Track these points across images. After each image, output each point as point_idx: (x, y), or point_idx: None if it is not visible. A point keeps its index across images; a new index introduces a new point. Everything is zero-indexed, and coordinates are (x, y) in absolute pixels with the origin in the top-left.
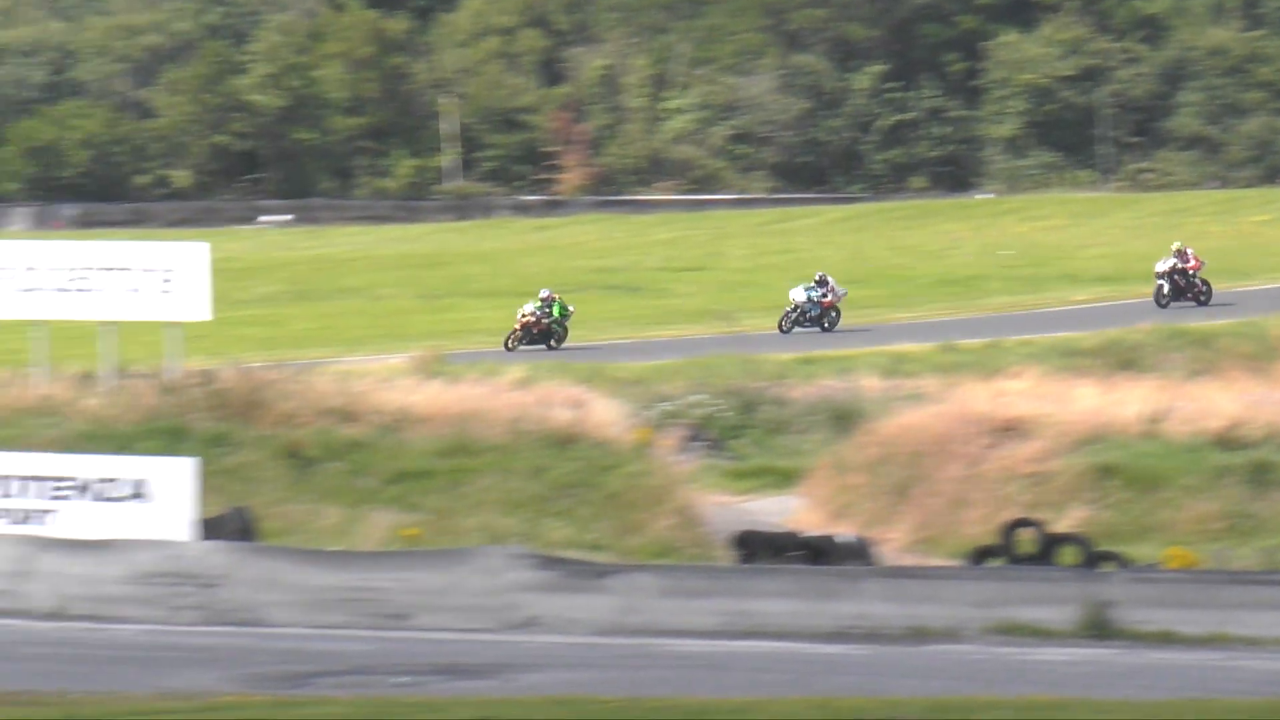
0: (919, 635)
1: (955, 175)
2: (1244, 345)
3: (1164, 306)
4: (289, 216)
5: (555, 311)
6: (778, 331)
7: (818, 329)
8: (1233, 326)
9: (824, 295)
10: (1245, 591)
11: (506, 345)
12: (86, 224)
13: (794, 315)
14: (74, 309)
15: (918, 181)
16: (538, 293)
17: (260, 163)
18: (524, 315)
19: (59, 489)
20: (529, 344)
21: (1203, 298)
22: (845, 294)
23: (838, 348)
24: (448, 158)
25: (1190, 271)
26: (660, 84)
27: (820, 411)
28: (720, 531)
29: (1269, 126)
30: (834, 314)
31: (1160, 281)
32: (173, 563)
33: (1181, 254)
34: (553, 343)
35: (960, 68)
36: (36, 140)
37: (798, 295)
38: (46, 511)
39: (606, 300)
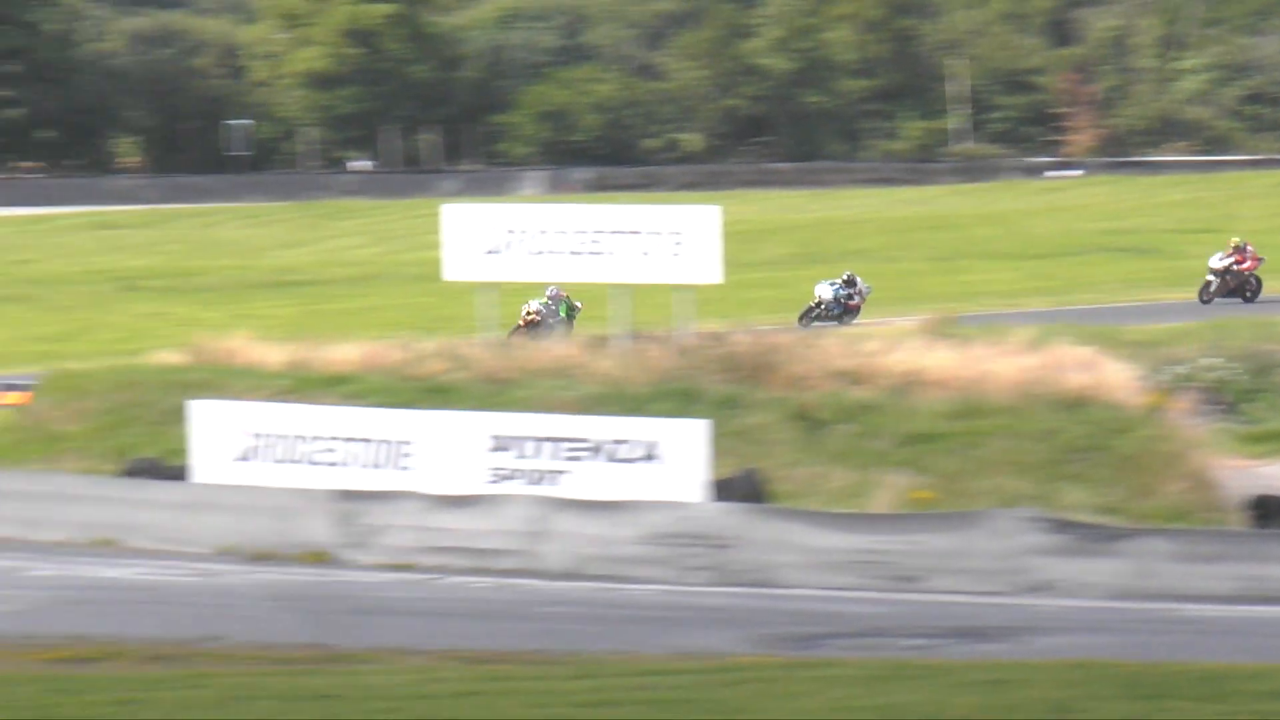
0: None
1: None
2: None
3: (1207, 303)
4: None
5: (562, 311)
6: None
7: (836, 324)
8: None
9: (850, 296)
10: None
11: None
12: (598, 188)
13: (816, 310)
14: (586, 271)
15: None
16: (544, 290)
17: (769, 126)
18: (528, 313)
19: (573, 450)
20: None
21: (1249, 294)
22: (870, 292)
23: None
24: (956, 119)
25: (1246, 271)
26: (1170, 44)
27: None
28: (1234, 496)
29: None
30: (854, 314)
31: (1211, 278)
32: (685, 524)
33: (1240, 250)
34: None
35: None
36: (548, 105)
37: (823, 291)
38: (560, 473)
39: (1116, 263)
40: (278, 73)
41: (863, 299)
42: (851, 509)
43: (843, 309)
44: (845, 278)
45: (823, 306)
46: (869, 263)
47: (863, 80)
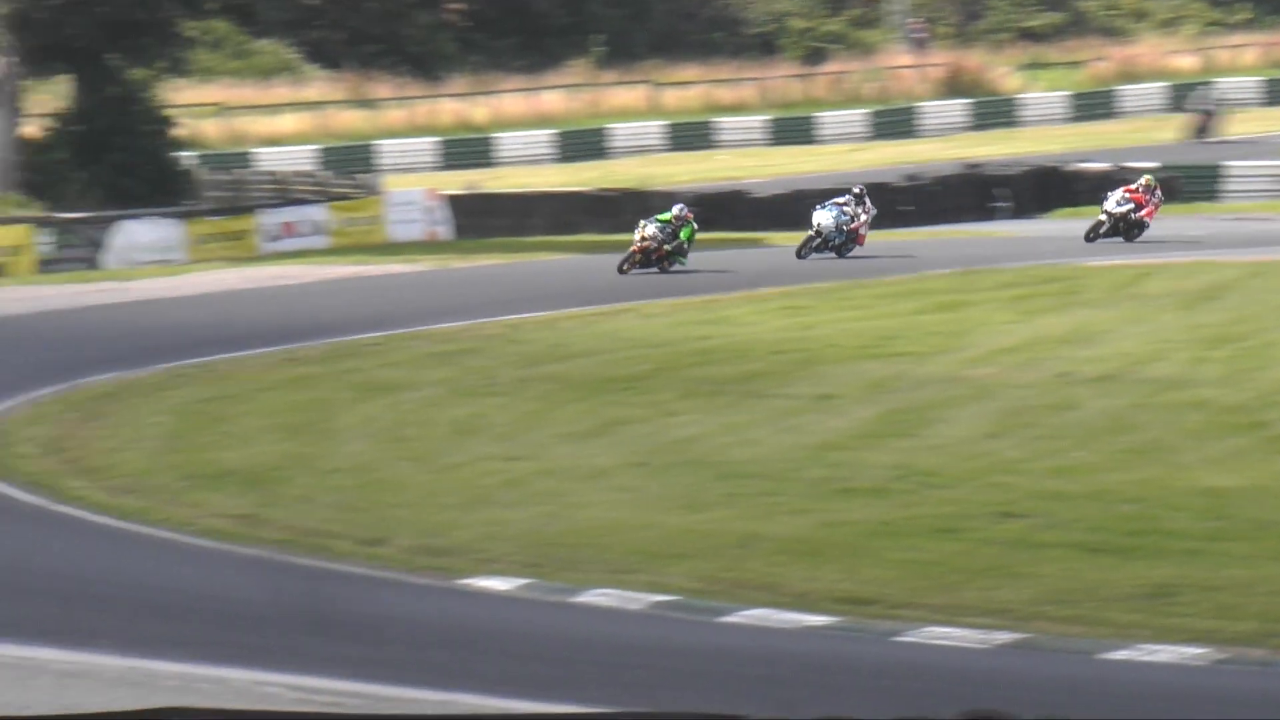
0: None
1: None
2: None
3: (1091, 242)
4: None
5: (684, 235)
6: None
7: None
8: None
9: (852, 219)
10: None
11: (620, 269)
12: None
13: (815, 242)
14: None
15: None
16: (670, 208)
17: None
18: (643, 239)
19: None
20: (643, 268)
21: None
22: (875, 213)
23: None
24: None
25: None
26: None
27: None
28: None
29: None
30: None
31: (1103, 218)
32: None
33: (1149, 190)
34: (667, 265)
35: None
36: None
37: (822, 219)
38: None
39: None
40: None
41: (868, 223)
42: None
43: (845, 237)
44: (856, 191)
45: (822, 236)
46: None
47: None
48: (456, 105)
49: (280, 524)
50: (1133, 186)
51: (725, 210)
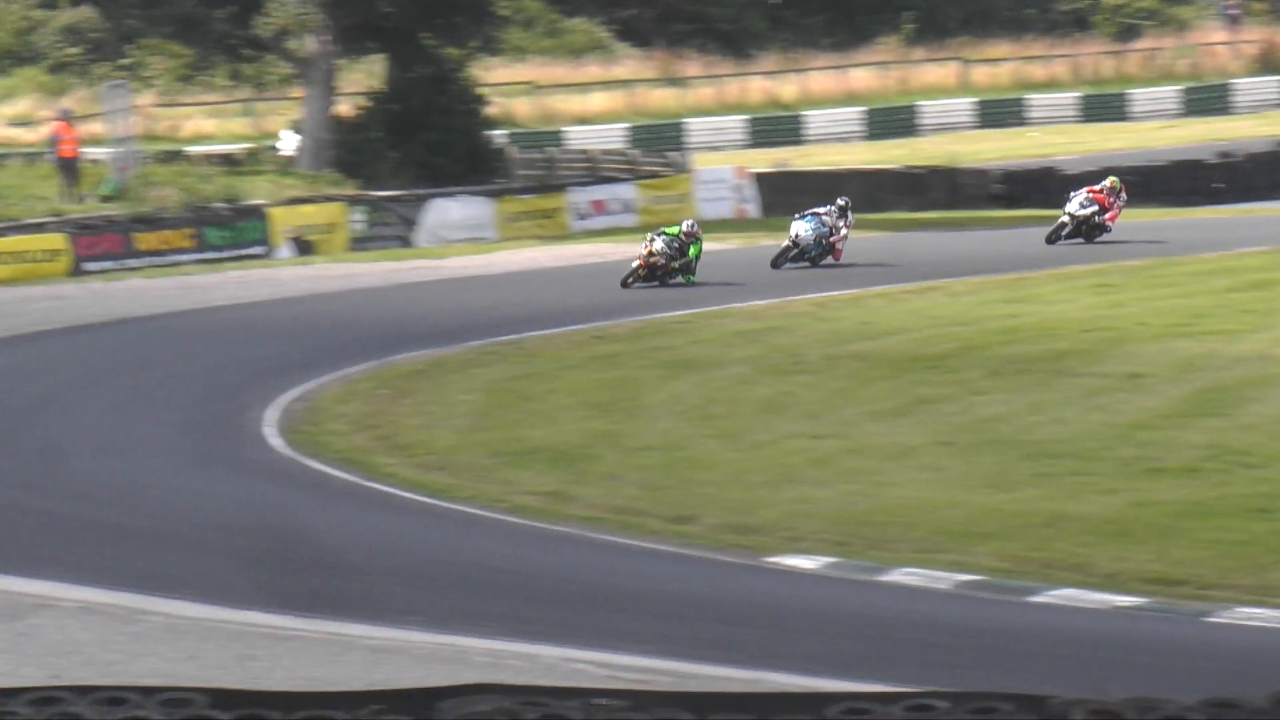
0: None
1: None
2: None
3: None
4: None
5: (692, 252)
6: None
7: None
8: None
9: (832, 233)
10: None
11: (624, 283)
12: None
13: (792, 253)
14: None
15: None
16: (678, 223)
17: None
18: (650, 254)
19: None
20: (646, 283)
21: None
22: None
23: None
24: None
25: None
26: None
27: None
28: None
29: None
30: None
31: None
32: None
33: (1113, 193)
34: (673, 280)
35: None
36: None
37: (800, 229)
38: None
39: None
40: None
41: (846, 236)
42: None
43: (821, 249)
44: (841, 203)
45: (799, 247)
46: None
47: None
48: (765, 83)
49: (588, 501)
50: (1097, 188)
51: (1037, 187)
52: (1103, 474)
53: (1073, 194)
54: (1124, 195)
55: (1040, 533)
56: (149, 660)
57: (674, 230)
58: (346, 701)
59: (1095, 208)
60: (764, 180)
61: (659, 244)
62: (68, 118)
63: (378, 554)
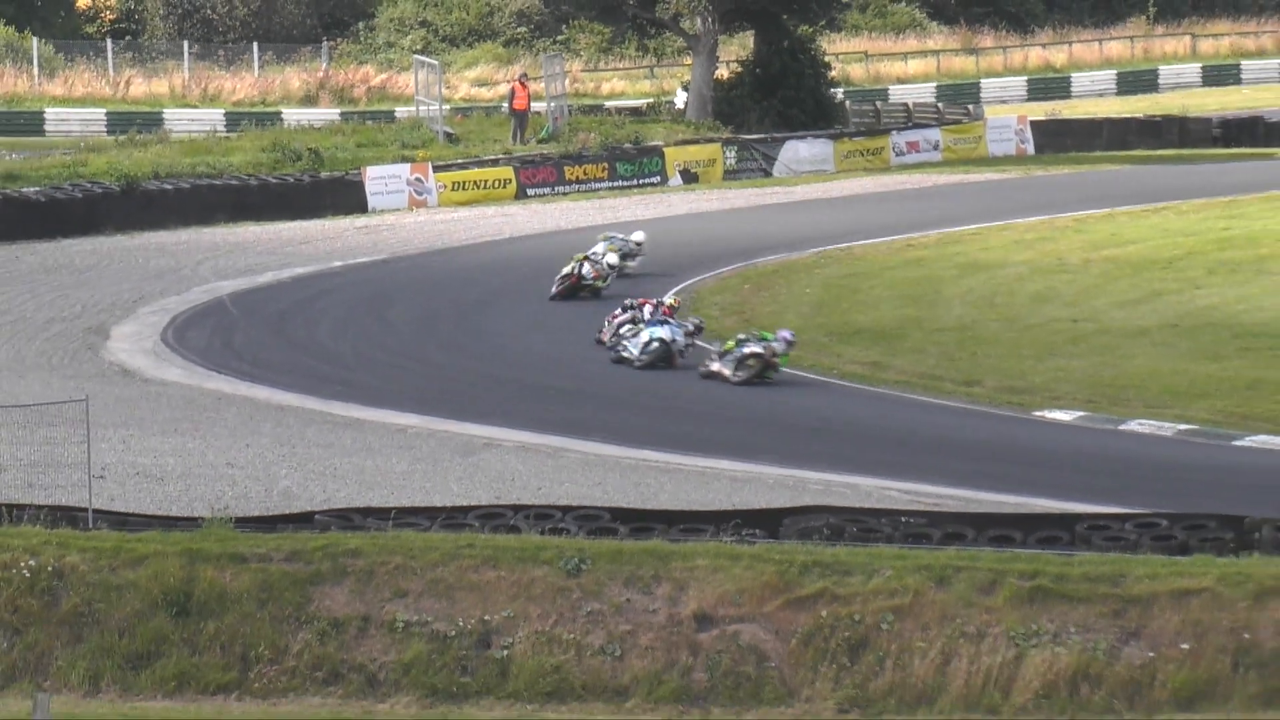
0: None
1: None
2: None
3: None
4: None
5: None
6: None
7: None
8: None
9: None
10: None
11: (552, 297)
12: None
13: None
14: None
15: None
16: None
17: None
18: (574, 274)
19: None
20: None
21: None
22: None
23: None
24: None
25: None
26: None
27: None
28: None
29: None
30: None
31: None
32: None
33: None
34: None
35: None
36: None
37: (606, 254)
38: None
39: None
40: None
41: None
42: None
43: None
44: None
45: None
46: None
47: None
48: (1042, 52)
49: (899, 369)
50: None
51: (1246, 132)
52: None
53: None
54: None
55: (1243, 394)
56: (568, 486)
57: (603, 252)
58: (714, 518)
59: None
60: (1038, 126)
61: (588, 268)
62: (522, 80)
63: (732, 407)
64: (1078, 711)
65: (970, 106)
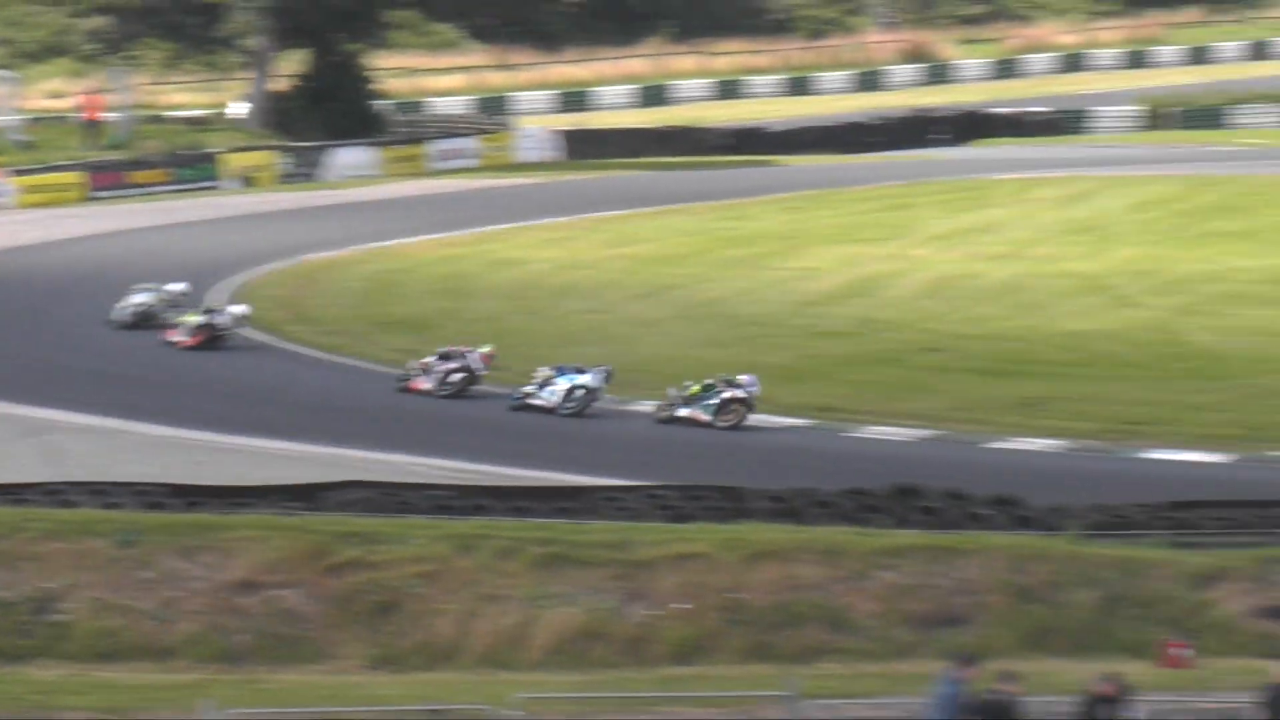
0: None
1: None
2: None
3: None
4: None
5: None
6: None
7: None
8: None
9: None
10: None
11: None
12: None
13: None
14: None
15: None
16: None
17: None
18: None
19: None
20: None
21: None
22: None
23: None
24: None
25: None
26: None
27: None
28: None
29: None
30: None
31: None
32: None
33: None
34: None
35: None
36: None
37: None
38: None
39: None
40: None
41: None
42: None
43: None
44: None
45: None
46: None
47: None
48: (569, 68)
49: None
50: None
51: (751, 141)
52: (785, 336)
53: None
54: None
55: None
56: (128, 465)
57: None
58: (261, 492)
59: None
60: (565, 135)
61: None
62: (93, 92)
63: (286, 390)
64: (584, 665)
65: (504, 118)
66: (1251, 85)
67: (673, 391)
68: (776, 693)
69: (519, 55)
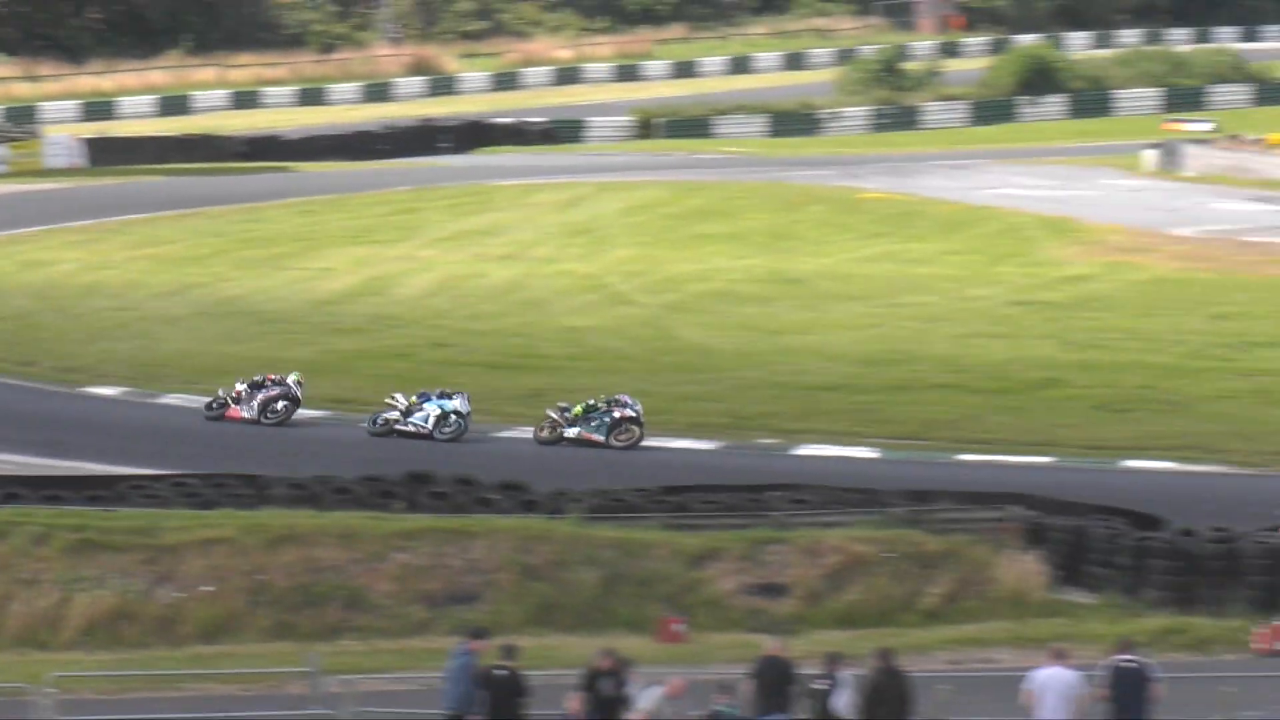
0: None
1: None
2: None
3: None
4: None
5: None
6: None
7: None
8: None
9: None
10: None
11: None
12: None
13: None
14: None
15: None
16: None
17: None
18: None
19: None
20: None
21: None
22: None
23: None
24: None
25: None
26: None
27: None
28: None
29: None
30: None
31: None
32: None
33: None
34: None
35: None
36: None
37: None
38: None
39: None
40: None
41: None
42: None
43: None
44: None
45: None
46: None
47: None
48: (94, 80)
49: None
50: None
51: (265, 147)
52: (304, 332)
53: None
54: None
55: (266, 371)
56: None
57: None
58: None
59: None
60: (90, 143)
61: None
62: None
63: None
64: (116, 645)
65: (32, 126)
66: (733, 97)
67: (553, 413)
68: (299, 669)
69: (45, 67)
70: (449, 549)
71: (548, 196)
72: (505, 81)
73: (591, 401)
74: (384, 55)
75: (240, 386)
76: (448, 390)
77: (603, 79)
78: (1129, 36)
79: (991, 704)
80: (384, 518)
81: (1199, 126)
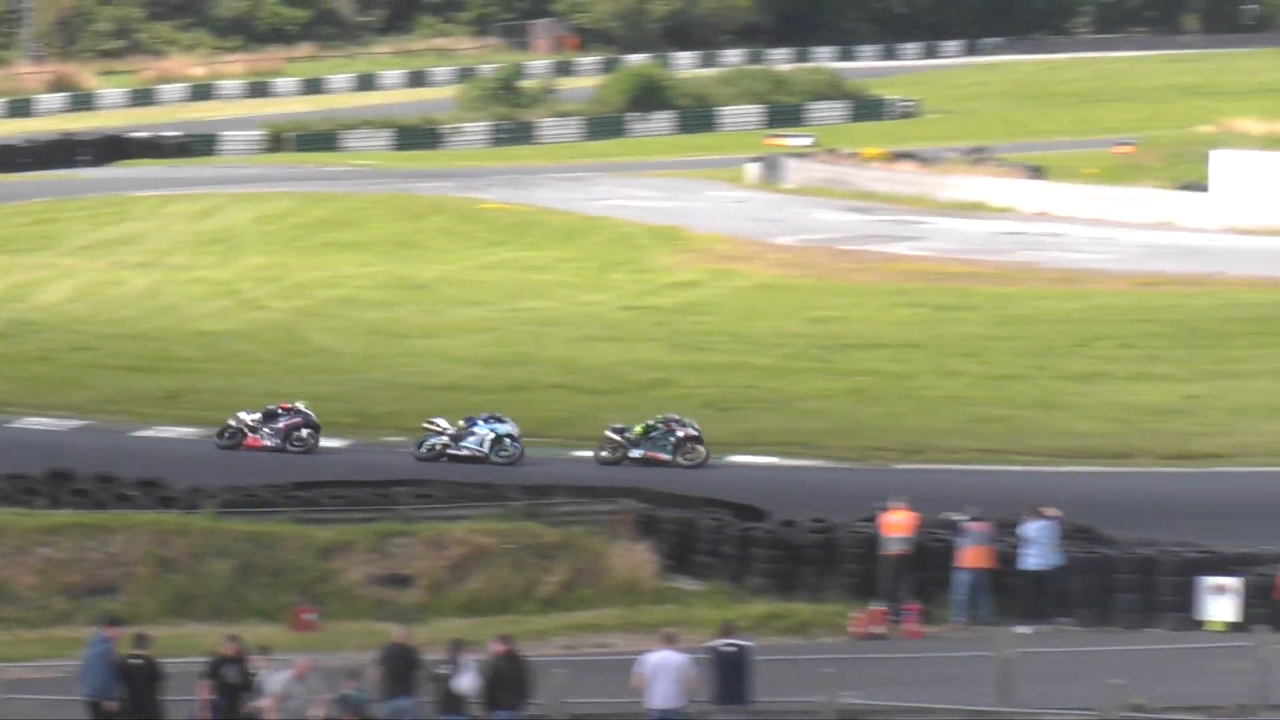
0: None
1: None
2: None
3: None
4: None
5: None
6: None
7: None
8: None
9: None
10: None
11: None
12: None
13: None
14: None
15: None
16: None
17: None
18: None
19: None
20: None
21: None
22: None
23: None
24: None
25: None
26: None
27: None
28: None
29: None
30: None
31: None
32: None
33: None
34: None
35: None
36: None
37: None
38: None
39: None
40: None
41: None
42: None
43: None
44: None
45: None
46: None
47: None
48: None
49: None
50: None
51: None
52: None
53: None
54: None
55: None
56: None
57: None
58: None
59: None
60: None
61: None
62: None
63: None
64: None
65: None
66: (360, 113)
67: (612, 434)
68: None
69: None
70: (89, 543)
71: (183, 207)
72: (142, 97)
73: (650, 422)
74: (26, 73)
75: (248, 416)
76: (495, 415)
77: (235, 95)
78: (732, 56)
79: (606, 686)
80: (27, 514)
81: (799, 141)
